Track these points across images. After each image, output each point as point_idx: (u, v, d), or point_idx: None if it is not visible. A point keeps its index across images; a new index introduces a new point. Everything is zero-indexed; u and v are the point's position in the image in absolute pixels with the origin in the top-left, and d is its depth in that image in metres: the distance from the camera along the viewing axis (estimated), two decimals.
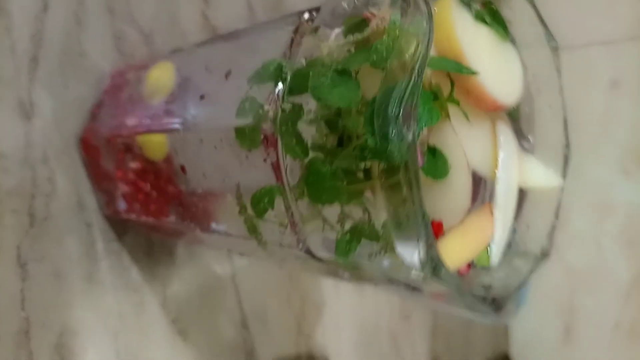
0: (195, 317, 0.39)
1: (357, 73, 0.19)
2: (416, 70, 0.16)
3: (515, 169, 0.24)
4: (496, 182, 0.23)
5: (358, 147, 0.18)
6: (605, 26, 0.56)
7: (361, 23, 0.20)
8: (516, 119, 0.25)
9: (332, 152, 0.19)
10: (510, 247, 0.24)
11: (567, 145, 0.25)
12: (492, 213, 0.23)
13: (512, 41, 0.23)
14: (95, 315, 0.34)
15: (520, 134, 0.25)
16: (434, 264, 0.17)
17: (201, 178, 0.26)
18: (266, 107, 0.21)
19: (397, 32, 0.17)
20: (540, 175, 0.25)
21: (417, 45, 0.16)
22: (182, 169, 0.26)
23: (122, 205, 0.33)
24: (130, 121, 0.30)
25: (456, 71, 0.20)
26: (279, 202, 0.22)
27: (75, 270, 0.33)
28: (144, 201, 0.31)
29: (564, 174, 0.25)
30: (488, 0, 0.22)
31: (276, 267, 0.44)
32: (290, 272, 0.45)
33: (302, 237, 0.21)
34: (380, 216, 0.20)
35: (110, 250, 0.35)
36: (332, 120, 0.20)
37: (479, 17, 0.22)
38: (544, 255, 0.24)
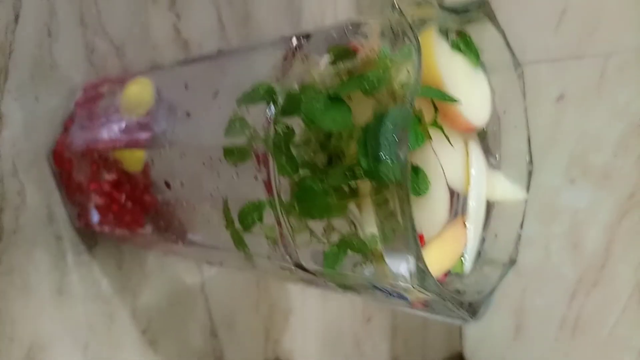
0: (166, 327, 0.39)
1: (347, 99, 0.20)
2: (408, 99, 0.17)
3: (484, 184, 0.25)
4: (469, 197, 0.25)
5: (348, 167, 0.20)
6: (552, 45, 0.60)
7: (347, 52, 0.21)
8: (484, 137, 0.27)
9: (322, 170, 0.20)
10: (480, 256, 0.26)
11: (531, 162, 0.27)
12: (465, 225, 0.24)
13: (482, 66, 0.25)
14: (65, 327, 0.34)
15: (487, 152, 0.27)
16: (421, 275, 0.18)
17: (186, 193, 0.26)
18: (258, 127, 0.21)
19: (388, 63, 0.19)
20: (506, 189, 0.27)
21: (409, 75, 0.18)
22: (167, 184, 0.27)
23: (95, 217, 0.33)
24: (107, 135, 0.30)
25: (441, 99, 0.21)
26: (267, 216, 0.23)
27: (45, 283, 0.33)
28: (119, 212, 0.31)
29: (528, 188, 0.27)
30: (462, 30, 0.24)
31: (246, 275, 0.45)
32: (258, 280, 0.46)
33: (291, 250, 0.22)
34: (366, 229, 0.21)
35: (81, 262, 0.34)
36: (323, 142, 0.21)
37: (455, 46, 0.23)
38: (512, 262, 0.26)
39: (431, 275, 0.19)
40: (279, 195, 0.21)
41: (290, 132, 0.21)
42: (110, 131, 0.30)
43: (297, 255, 0.22)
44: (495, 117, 0.27)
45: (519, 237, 0.26)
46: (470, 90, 0.24)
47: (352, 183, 0.20)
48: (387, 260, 0.19)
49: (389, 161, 0.17)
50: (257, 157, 0.22)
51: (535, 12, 0.60)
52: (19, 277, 0.31)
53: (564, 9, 0.61)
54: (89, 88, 0.33)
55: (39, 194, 0.32)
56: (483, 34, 0.25)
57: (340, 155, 0.21)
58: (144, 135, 0.29)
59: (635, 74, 0.58)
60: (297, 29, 0.49)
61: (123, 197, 0.31)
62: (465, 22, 0.24)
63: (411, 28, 0.18)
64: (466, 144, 0.25)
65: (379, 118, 0.18)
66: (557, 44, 0.59)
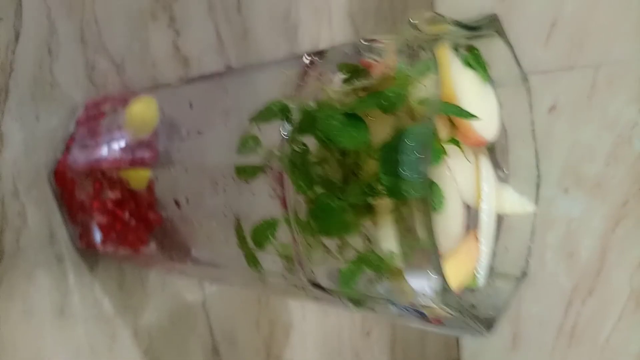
0: (167, 346, 0.39)
1: (363, 116, 0.20)
2: (430, 115, 0.18)
3: (495, 198, 0.25)
4: (480, 212, 0.25)
5: (366, 184, 0.20)
6: (543, 57, 0.61)
7: (358, 69, 0.21)
8: (492, 151, 0.27)
9: (339, 187, 0.20)
10: (491, 270, 0.26)
11: (539, 175, 0.27)
12: (477, 239, 0.24)
13: (490, 80, 0.26)
14: (67, 350, 0.33)
15: (496, 165, 0.27)
16: (444, 292, 0.18)
17: (195, 211, 0.26)
18: (273, 145, 0.21)
19: (407, 80, 0.19)
20: (515, 202, 0.27)
21: (428, 92, 0.18)
22: (176, 203, 0.26)
23: (97, 236, 0.32)
24: (111, 154, 0.30)
25: (460, 116, 0.21)
26: (282, 234, 0.22)
27: (46, 305, 0.32)
28: (122, 230, 0.31)
29: (537, 201, 0.27)
30: (471, 45, 0.24)
31: (247, 291, 0.44)
32: (259, 296, 0.45)
33: (306, 268, 0.22)
34: (383, 246, 0.21)
35: (82, 283, 0.34)
36: (338, 159, 0.21)
37: (465, 61, 0.23)
38: (524, 275, 0.26)
39: (453, 292, 0.19)
40: (295, 213, 0.21)
41: (306, 149, 0.21)
42: (113, 150, 0.30)
43: (313, 273, 0.22)
44: (503, 131, 0.27)
45: (530, 250, 0.27)
46: (481, 105, 0.24)
47: (371, 200, 0.20)
48: (407, 277, 0.19)
49: (411, 178, 0.17)
50: (272, 174, 0.21)
51: (526, 24, 0.61)
52: (20, 299, 0.31)
53: (554, 21, 0.62)
54: (90, 106, 0.33)
55: (40, 215, 0.32)
56: (489, 49, 0.25)
57: (356, 172, 0.21)
58: (149, 154, 0.29)
59: (624, 84, 0.59)
60: (293, 45, 0.49)
61: (127, 215, 0.30)
62: (474, 37, 0.24)
63: (429, 44, 0.18)
64: (476, 158, 0.25)
65: (400, 135, 0.18)
66: (548, 56, 0.60)
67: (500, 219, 0.27)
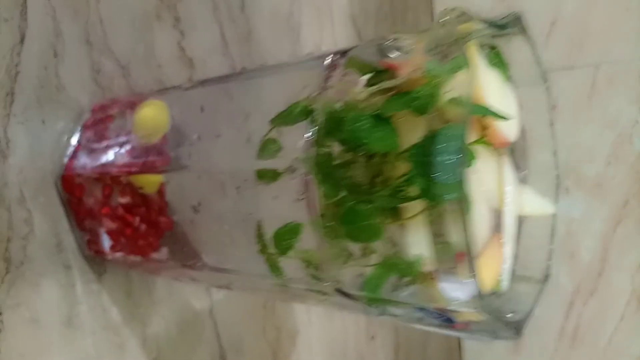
0: (175, 355, 0.38)
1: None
2: (465, 116, 0.17)
3: (516, 201, 0.25)
4: (504, 214, 0.24)
5: (396, 188, 0.19)
6: (543, 56, 0.61)
7: (383, 70, 0.21)
8: (512, 152, 0.26)
9: (367, 191, 0.20)
10: (512, 273, 0.26)
11: (558, 176, 0.27)
12: (501, 242, 0.24)
13: (511, 80, 0.25)
14: None
15: (515, 167, 0.27)
16: (480, 296, 0.18)
17: (212, 216, 0.25)
18: (296, 148, 0.21)
19: (437, 80, 0.18)
20: (535, 203, 0.26)
21: (460, 92, 0.17)
22: (193, 208, 0.26)
23: (106, 243, 0.31)
24: (120, 159, 0.29)
25: (492, 116, 0.21)
26: (306, 239, 0.22)
27: (54, 315, 0.31)
28: (132, 236, 0.30)
29: (556, 202, 0.27)
30: (493, 45, 0.24)
31: (253, 298, 0.43)
32: (265, 303, 0.45)
33: (330, 274, 0.22)
34: (411, 251, 0.20)
35: (90, 291, 0.33)
36: (365, 162, 0.20)
37: (489, 61, 0.23)
38: (547, 278, 0.25)
39: (488, 297, 0.18)
40: (321, 218, 0.20)
41: (333, 153, 0.20)
42: (123, 155, 0.29)
43: (337, 279, 0.22)
44: (522, 131, 0.27)
45: (551, 252, 0.26)
46: (504, 105, 0.23)
47: (401, 204, 0.19)
48: (441, 282, 0.18)
49: (447, 180, 0.17)
50: (297, 178, 0.21)
51: (526, 23, 0.61)
52: (27, 309, 0.30)
53: (554, 21, 0.62)
54: (97, 110, 0.32)
55: (47, 222, 0.31)
56: (511, 49, 0.25)
57: (384, 175, 0.20)
58: (160, 159, 0.28)
59: (624, 84, 0.60)
60: (296, 46, 0.49)
61: (137, 220, 0.30)
62: (496, 36, 0.24)
63: (460, 42, 0.18)
64: (499, 160, 0.25)
65: (433, 136, 0.18)
66: (547, 55, 0.60)
67: (520, 221, 0.27)
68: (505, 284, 0.24)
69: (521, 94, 0.27)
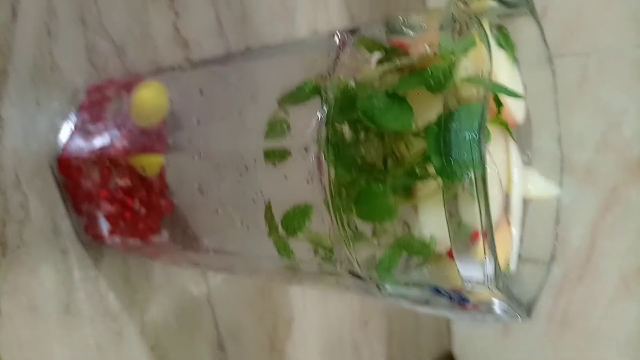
0: (174, 342, 0.37)
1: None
2: (483, 93, 0.17)
3: (522, 183, 0.25)
4: (511, 196, 0.24)
5: (411, 167, 0.19)
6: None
7: (394, 48, 0.21)
8: (517, 134, 0.26)
9: (381, 171, 0.20)
10: (519, 255, 0.26)
11: (562, 159, 0.27)
12: (509, 224, 0.24)
13: (517, 62, 0.25)
14: (73, 349, 0.31)
15: (520, 149, 0.27)
16: (498, 275, 0.18)
17: (215, 198, 0.25)
18: (307, 127, 0.20)
19: (452, 57, 0.18)
20: (540, 186, 0.26)
21: (482, 69, 0.17)
22: (198, 190, 0.25)
23: (104, 227, 0.31)
24: (119, 142, 0.29)
25: (507, 94, 0.21)
26: (316, 220, 0.21)
27: (52, 302, 0.30)
28: (132, 219, 0.30)
29: (561, 184, 0.27)
30: (502, 26, 0.23)
31: (251, 284, 0.43)
32: (262, 288, 0.44)
33: (342, 255, 0.21)
34: (424, 230, 0.20)
35: (87, 277, 0.32)
36: (378, 141, 0.20)
37: (497, 41, 0.23)
38: (552, 259, 0.25)
39: (505, 277, 0.18)
40: (334, 198, 0.20)
41: (344, 131, 0.20)
42: (122, 137, 0.29)
43: (349, 260, 0.21)
44: (527, 113, 0.27)
45: (557, 234, 0.26)
46: (512, 86, 0.23)
47: (416, 183, 0.19)
48: (457, 261, 0.18)
49: (465, 158, 0.17)
50: (308, 158, 0.20)
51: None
52: (24, 296, 0.29)
53: (545, 9, 0.62)
54: (93, 91, 0.31)
55: (43, 206, 0.30)
56: (518, 29, 0.25)
57: (397, 154, 0.20)
58: (159, 140, 0.28)
59: (615, 72, 0.60)
60: (290, 29, 0.48)
61: (137, 203, 0.29)
62: (503, 16, 0.24)
63: (477, 19, 0.18)
64: (506, 142, 0.25)
65: (450, 114, 0.17)
66: None
67: (525, 204, 0.27)
68: (513, 266, 0.24)
69: (525, 76, 0.27)
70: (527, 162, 0.27)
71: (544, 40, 0.25)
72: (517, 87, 0.25)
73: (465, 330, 0.75)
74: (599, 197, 0.63)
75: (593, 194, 0.64)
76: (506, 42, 0.24)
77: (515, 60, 0.25)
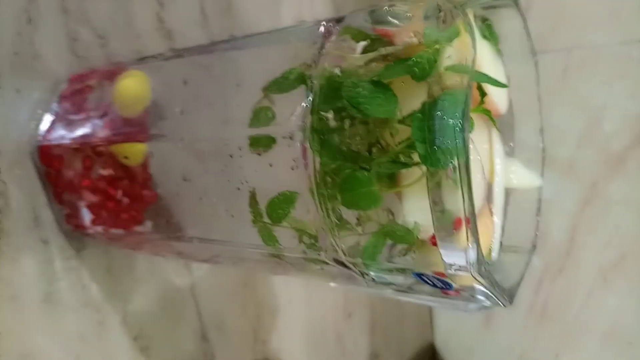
0: (157, 333, 0.37)
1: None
2: (467, 81, 0.17)
3: (504, 172, 0.25)
4: (494, 185, 0.24)
5: (396, 154, 0.19)
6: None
7: (378, 37, 0.21)
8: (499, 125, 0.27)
9: (366, 159, 0.20)
10: (500, 244, 0.26)
11: (544, 149, 0.27)
12: (492, 213, 0.24)
13: (500, 54, 0.25)
14: (55, 339, 0.31)
15: (502, 140, 0.27)
16: (480, 261, 0.18)
17: (200, 187, 0.25)
18: (292, 115, 0.21)
19: (436, 46, 0.18)
20: (522, 176, 0.27)
21: (465, 57, 0.17)
22: (182, 179, 0.25)
23: (86, 217, 0.30)
24: (103, 131, 0.28)
25: (491, 84, 0.21)
26: (299, 209, 0.22)
27: (33, 292, 0.30)
28: (114, 210, 0.29)
29: (542, 174, 0.27)
30: (486, 17, 0.24)
31: (234, 275, 0.43)
32: (246, 281, 0.44)
33: (327, 243, 0.21)
34: (408, 217, 0.21)
35: (69, 267, 0.32)
36: (363, 129, 0.20)
37: (481, 32, 0.23)
38: (533, 248, 0.26)
39: (488, 263, 0.18)
40: (319, 186, 0.20)
41: (329, 119, 0.20)
42: (104, 126, 0.28)
43: (334, 247, 0.21)
44: (510, 104, 0.27)
45: (538, 223, 0.27)
46: (496, 77, 0.23)
47: (400, 170, 0.19)
48: (441, 248, 0.19)
49: (449, 145, 0.17)
50: (293, 146, 0.20)
51: None
52: (5, 286, 0.29)
53: (528, 5, 0.62)
54: (75, 80, 0.31)
55: (24, 196, 0.30)
56: (501, 22, 0.25)
57: (382, 143, 0.20)
58: (142, 129, 0.28)
59: (596, 68, 0.61)
60: (275, 20, 0.48)
61: (119, 194, 0.29)
62: (487, 8, 0.24)
63: (462, 8, 0.18)
64: (489, 132, 0.25)
65: (434, 102, 0.18)
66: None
67: (507, 194, 0.27)
68: (495, 254, 0.25)
69: (508, 69, 0.27)
70: (510, 153, 0.28)
71: (528, 32, 0.25)
72: (501, 78, 0.25)
73: (447, 322, 0.75)
74: (580, 192, 0.64)
75: (574, 188, 0.65)
76: (490, 33, 0.24)
77: (498, 51, 0.25)
